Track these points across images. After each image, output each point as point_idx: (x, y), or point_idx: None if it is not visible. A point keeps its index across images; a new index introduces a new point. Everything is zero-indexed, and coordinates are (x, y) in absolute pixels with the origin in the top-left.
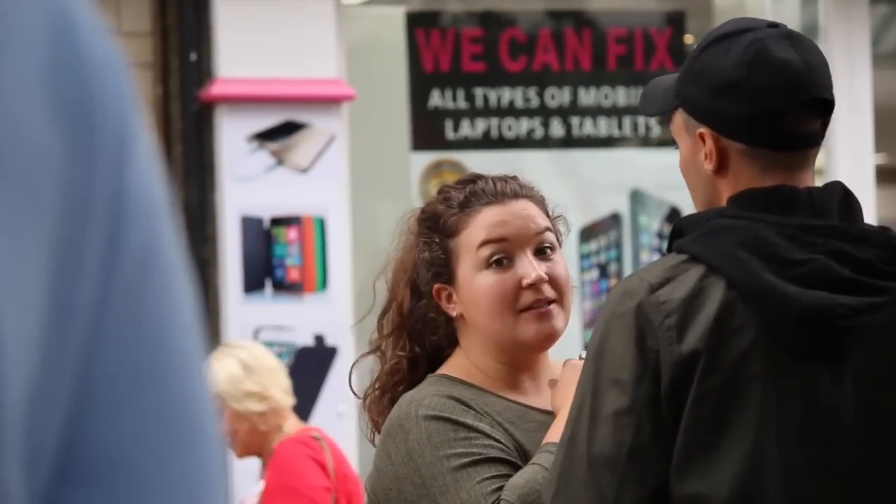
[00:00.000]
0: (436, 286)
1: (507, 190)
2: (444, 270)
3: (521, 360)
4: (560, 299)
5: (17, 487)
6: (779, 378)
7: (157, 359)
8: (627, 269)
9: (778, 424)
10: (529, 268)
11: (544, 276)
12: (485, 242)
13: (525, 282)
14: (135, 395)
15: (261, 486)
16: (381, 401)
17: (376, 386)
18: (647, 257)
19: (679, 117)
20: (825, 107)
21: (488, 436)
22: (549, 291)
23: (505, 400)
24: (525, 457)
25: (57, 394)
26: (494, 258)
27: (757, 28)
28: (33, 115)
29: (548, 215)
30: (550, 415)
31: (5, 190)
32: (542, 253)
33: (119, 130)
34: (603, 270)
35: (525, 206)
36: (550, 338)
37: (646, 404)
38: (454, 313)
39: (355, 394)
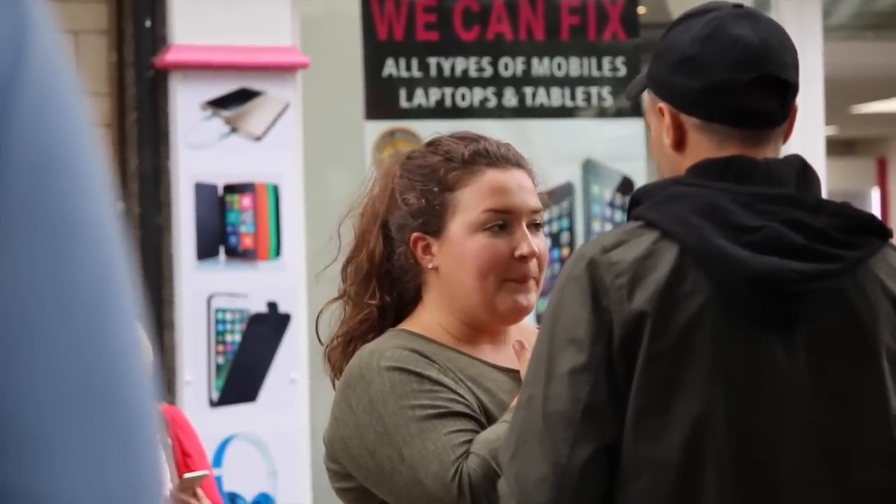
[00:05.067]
0: (414, 235)
1: (509, 156)
2: (433, 221)
3: (487, 325)
4: (538, 276)
5: None
6: (729, 343)
7: (54, 324)
8: (579, 239)
9: (728, 389)
10: (524, 240)
11: (536, 250)
12: (489, 209)
13: (517, 253)
14: (31, 359)
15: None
16: (347, 348)
17: (340, 332)
18: (599, 227)
19: (648, 98)
20: (782, 86)
21: (452, 390)
22: (533, 267)
23: (467, 356)
24: (486, 414)
25: None
26: (494, 223)
27: (721, 8)
28: None
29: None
30: (511, 372)
31: None
32: (532, 227)
33: None
34: (555, 240)
35: (524, 178)
36: (523, 312)
37: (602, 362)
38: (429, 265)
39: (320, 340)
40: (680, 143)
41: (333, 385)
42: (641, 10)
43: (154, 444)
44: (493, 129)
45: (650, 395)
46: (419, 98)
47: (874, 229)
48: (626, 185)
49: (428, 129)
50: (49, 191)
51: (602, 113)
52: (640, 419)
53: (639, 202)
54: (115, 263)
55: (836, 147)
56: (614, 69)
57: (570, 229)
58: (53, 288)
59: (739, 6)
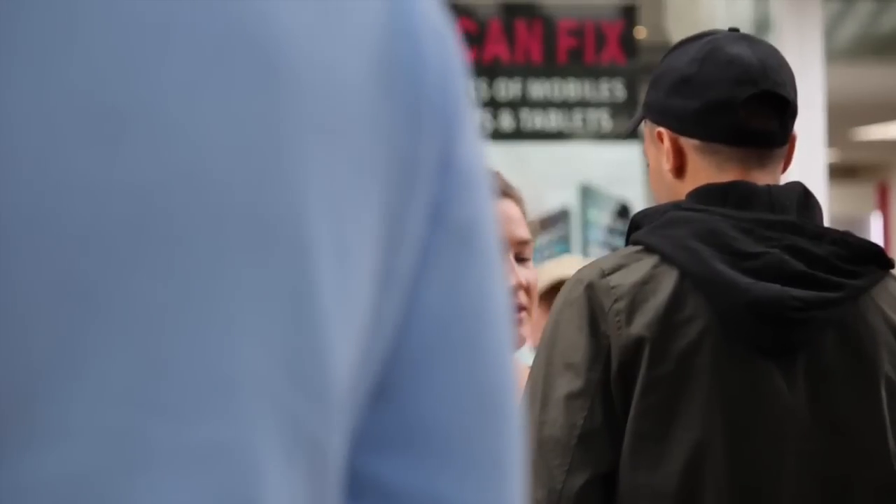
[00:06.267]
0: None
1: (496, 186)
2: None
3: None
4: (529, 307)
5: (342, 457)
6: (729, 370)
7: (473, 334)
8: None
9: (727, 416)
10: (511, 273)
11: (524, 282)
12: None
13: None
14: (449, 367)
15: None
16: None
17: None
18: (596, 252)
19: (646, 128)
20: (781, 105)
21: None
22: (523, 298)
23: None
24: None
25: (372, 362)
26: None
27: (717, 32)
28: (364, 81)
29: (524, 216)
30: None
31: (339, 155)
32: (520, 258)
33: (449, 103)
34: None
35: (511, 208)
36: (517, 345)
37: (599, 388)
38: None
39: None
40: (680, 169)
41: None
42: (640, 31)
43: (522, 459)
44: (489, 153)
45: (648, 421)
46: None
47: (876, 258)
48: (623, 209)
49: None
50: (480, 213)
51: (600, 137)
52: (637, 446)
53: (638, 226)
54: (503, 275)
55: (837, 172)
56: (612, 92)
57: (567, 254)
58: (473, 300)
59: (735, 30)
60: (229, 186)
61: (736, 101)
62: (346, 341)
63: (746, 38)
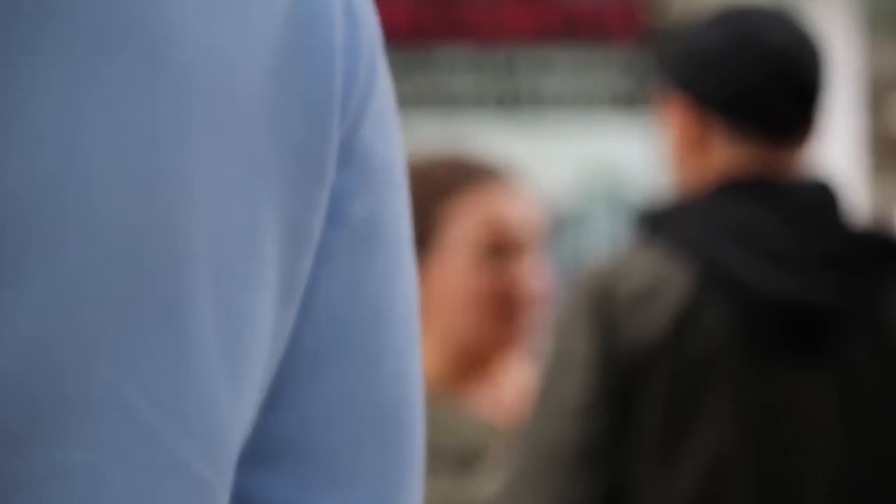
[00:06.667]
0: None
1: (514, 180)
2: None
3: (480, 357)
4: (540, 308)
5: (228, 489)
6: (750, 375)
7: (370, 341)
8: (584, 261)
9: (748, 425)
10: (534, 274)
11: (539, 281)
12: (485, 228)
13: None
14: (340, 376)
15: None
16: None
17: None
18: (605, 246)
19: (667, 104)
20: (809, 92)
21: None
22: (536, 298)
23: (450, 410)
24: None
25: (268, 378)
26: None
27: (751, 11)
28: (264, 73)
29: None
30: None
31: (233, 155)
32: (532, 257)
33: (355, 89)
34: (559, 261)
35: (529, 202)
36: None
37: (607, 396)
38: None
39: None
40: (701, 150)
41: None
42: (650, 12)
43: (420, 478)
44: (492, 138)
45: (661, 431)
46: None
47: None
48: (635, 201)
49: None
50: (386, 207)
51: (609, 125)
52: (649, 458)
53: (650, 220)
54: (410, 274)
55: (877, 147)
56: (622, 77)
57: (576, 249)
58: (372, 303)
59: (770, 10)
60: (100, 192)
61: (763, 84)
62: (231, 363)
63: (780, 20)
